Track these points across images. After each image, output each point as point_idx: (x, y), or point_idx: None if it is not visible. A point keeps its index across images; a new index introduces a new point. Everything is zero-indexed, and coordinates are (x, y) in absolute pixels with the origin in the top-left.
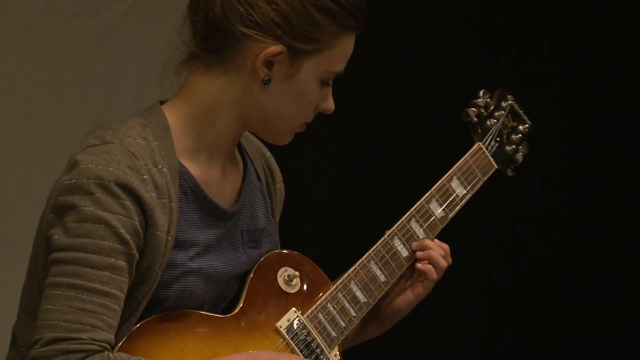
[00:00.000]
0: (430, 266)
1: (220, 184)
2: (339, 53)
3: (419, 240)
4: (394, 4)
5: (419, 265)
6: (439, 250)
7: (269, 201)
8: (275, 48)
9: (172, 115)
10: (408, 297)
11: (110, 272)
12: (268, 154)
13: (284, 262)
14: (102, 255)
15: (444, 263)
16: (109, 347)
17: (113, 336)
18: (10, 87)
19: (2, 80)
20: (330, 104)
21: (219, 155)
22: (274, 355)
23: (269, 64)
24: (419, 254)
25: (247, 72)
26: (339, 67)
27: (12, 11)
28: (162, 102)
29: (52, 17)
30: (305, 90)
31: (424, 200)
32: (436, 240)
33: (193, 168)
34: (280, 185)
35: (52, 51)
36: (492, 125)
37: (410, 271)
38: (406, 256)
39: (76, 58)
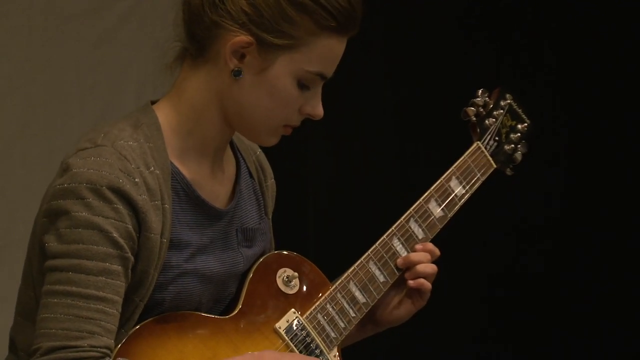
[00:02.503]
0: (421, 280)
1: (212, 184)
2: (318, 53)
3: (403, 256)
4: (393, 4)
5: (410, 282)
6: (424, 259)
7: (261, 199)
8: (242, 38)
9: (163, 114)
10: (408, 307)
11: (106, 276)
12: (259, 151)
13: (283, 263)
14: (97, 260)
15: (432, 269)
16: (108, 352)
17: (112, 341)
18: (11, 87)
19: (3, 81)
20: (316, 109)
21: (208, 155)
22: (278, 355)
23: (241, 55)
24: (407, 274)
25: (221, 64)
26: (318, 68)
27: (12, 12)
28: (153, 102)
29: (52, 18)
30: (280, 87)
31: (422, 200)
32: (418, 247)
33: (184, 168)
34: (271, 181)
35: (53, 52)
36: (491, 125)
37: (406, 281)
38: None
39: (76, 59)
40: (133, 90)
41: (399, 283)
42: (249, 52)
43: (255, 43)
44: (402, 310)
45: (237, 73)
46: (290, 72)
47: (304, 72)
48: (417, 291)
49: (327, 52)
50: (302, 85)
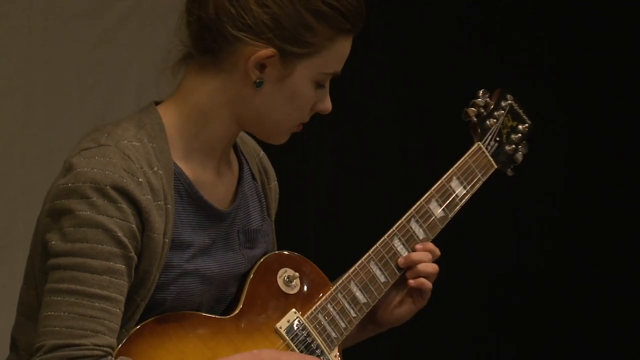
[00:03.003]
0: (422, 279)
1: (215, 185)
2: (334, 55)
3: (404, 255)
4: (394, 4)
5: (411, 282)
6: (425, 259)
7: (264, 200)
8: (266, 51)
9: (167, 116)
10: (409, 307)
11: (110, 276)
12: (262, 153)
13: (283, 263)
14: (101, 259)
15: (434, 268)
16: (111, 351)
17: (115, 340)
18: (11, 88)
19: (3, 81)
20: (327, 105)
21: (213, 156)
22: (276, 354)
23: (261, 66)
24: (408, 273)
25: (239, 74)
26: (334, 68)
27: (12, 12)
28: (157, 103)
29: (52, 18)
30: (299, 92)
31: (423, 200)
32: (419, 246)
33: (188, 169)
34: (274, 183)
35: (53, 52)
36: (492, 125)
37: (406, 281)
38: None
39: (76, 59)
40: (133, 90)
41: (400, 283)
42: (270, 63)
43: (277, 54)
44: (403, 310)
45: (259, 84)
46: (309, 76)
47: (321, 75)
48: (418, 291)
49: (341, 53)
50: (318, 85)
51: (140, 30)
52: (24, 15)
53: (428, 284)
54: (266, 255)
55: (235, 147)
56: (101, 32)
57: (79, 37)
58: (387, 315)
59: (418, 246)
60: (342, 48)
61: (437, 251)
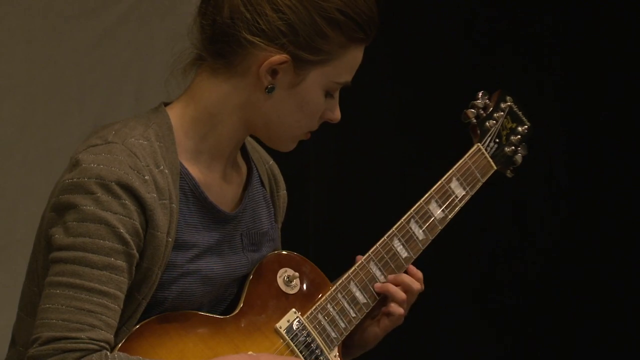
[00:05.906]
0: (392, 305)
1: (221, 187)
2: (346, 64)
3: (381, 283)
4: (396, 5)
5: (383, 309)
6: (397, 286)
7: (272, 207)
8: (279, 57)
9: (176, 116)
10: (375, 331)
11: (110, 271)
12: (272, 161)
13: (283, 263)
14: (102, 254)
15: (402, 296)
16: (107, 346)
17: (112, 336)
18: (11, 88)
19: (3, 81)
20: (336, 114)
21: (220, 159)
22: (273, 357)
23: (273, 72)
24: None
25: (251, 79)
26: (345, 77)
27: (11, 12)
28: (166, 104)
29: (51, 18)
30: (310, 99)
31: (423, 201)
32: (390, 280)
33: (194, 170)
34: (283, 192)
35: (52, 52)
36: (491, 127)
37: (379, 305)
38: (405, 257)
39: (76, 59)
40: (133, 90)
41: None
42: (282, 69)
43: (290, 61)
44: (371, 333)
45: (271, 90)
46: (321, 84)
47: (332, 84)
48: (386, 316)
49: (353, 62)
50: (328, 94)
51: (140, 30)
52: (24, 15)
53: (398, 310)
54: (266, 256)
55: (245, 153)
56: (101, 32)
57: (79, 37)
58: (357, 337)
59: (390, 277)
60: (354, 57)
61: (410, 286)
